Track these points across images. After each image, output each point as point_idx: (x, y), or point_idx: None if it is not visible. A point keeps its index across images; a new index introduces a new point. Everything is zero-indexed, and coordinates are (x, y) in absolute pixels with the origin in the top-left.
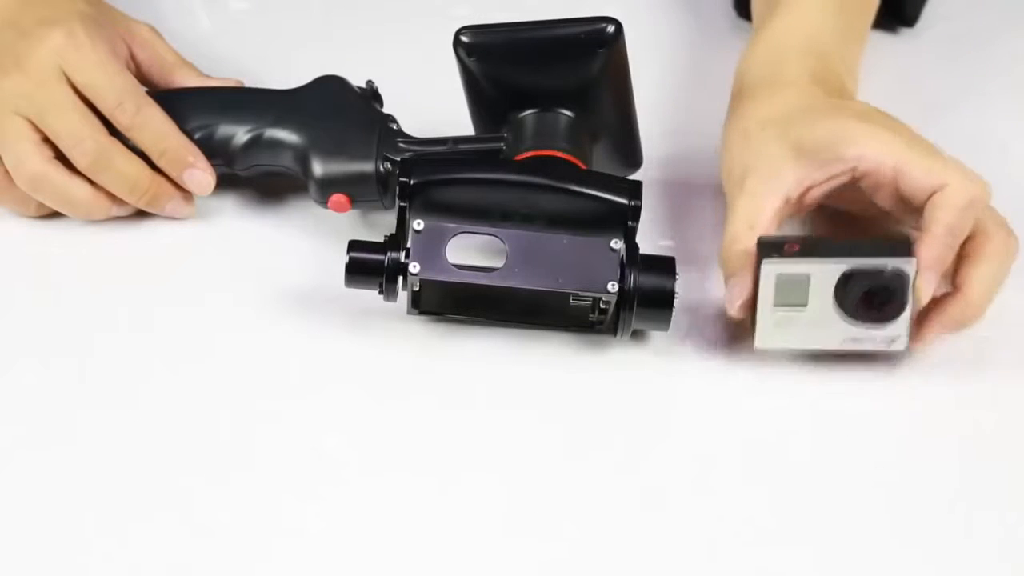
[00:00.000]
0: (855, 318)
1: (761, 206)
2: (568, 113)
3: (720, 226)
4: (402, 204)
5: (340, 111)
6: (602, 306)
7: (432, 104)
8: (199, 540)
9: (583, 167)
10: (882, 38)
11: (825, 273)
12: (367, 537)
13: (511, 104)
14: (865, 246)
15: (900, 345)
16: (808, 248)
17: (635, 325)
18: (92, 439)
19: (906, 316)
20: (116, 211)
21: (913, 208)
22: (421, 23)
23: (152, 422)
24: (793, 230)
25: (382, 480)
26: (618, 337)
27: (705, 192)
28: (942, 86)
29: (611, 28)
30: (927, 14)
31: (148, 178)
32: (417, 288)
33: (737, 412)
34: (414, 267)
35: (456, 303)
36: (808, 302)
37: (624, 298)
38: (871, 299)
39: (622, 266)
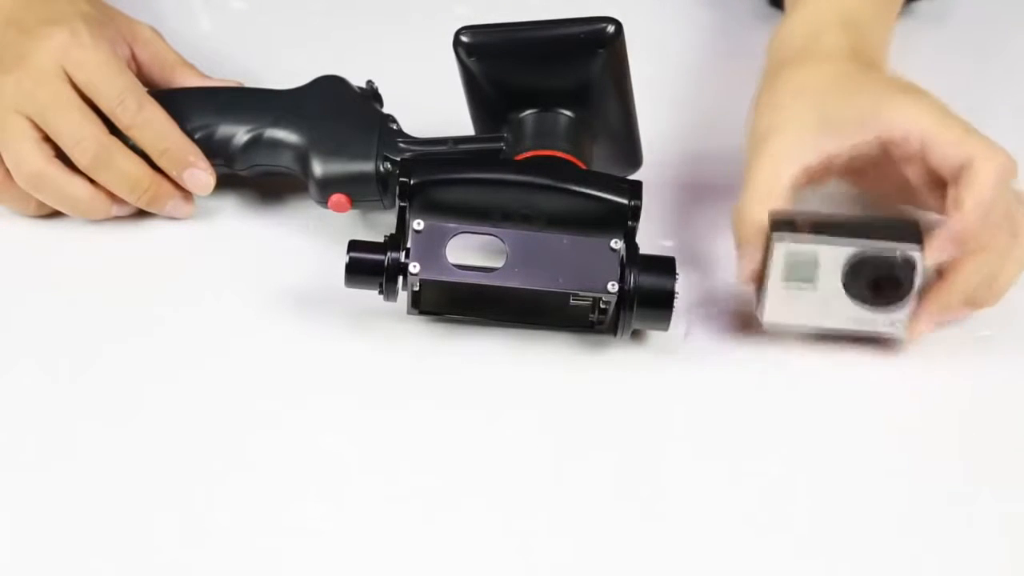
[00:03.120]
0: (862, 301)
1: (779, 173)
2: (568, 113)
3: (720, 227)
4: (402, 204)
5: (340, 111)
6: (602, 306)
7: (432, 104)
8: (198, 540)
9: (583, 167)
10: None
11: (834, 254)
12: (368, 537)
13: (511, 104)
14: (875, 227)
15: (900, 330)
16: (819, 226)
17: (635, 325)
18: (91, 439)
19: (911, 301)
20: (116, 210)
21: (940, 182)
22: (421, 23)
23: (151, 422)
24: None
25: (382, 480)
26: (618, 337)
27: (705, 192)
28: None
29: (611, 28)
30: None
31: (148, 177)
32: (417, 288)
33: (737, 412)
34: (414, 267)
35: (456, 303)
36: (816, 280)
37: (624, 298)
38: (879, 284)
39: (622, 266)
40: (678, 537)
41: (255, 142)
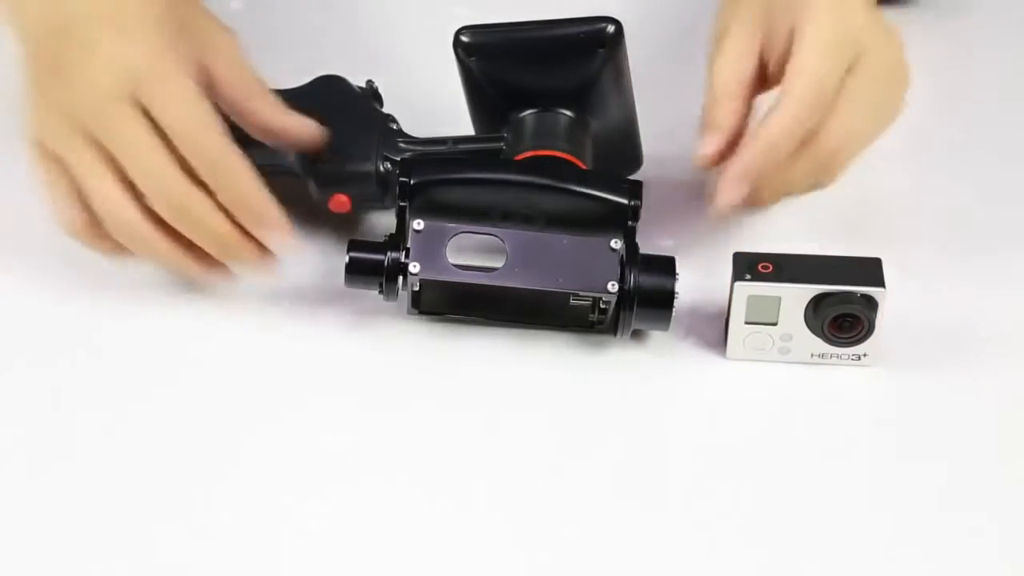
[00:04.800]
0: (824, 339)
1: (736, 69)
2: (568, 113)
3: (720, 226)
4: (402, 204)
5: (340, 111)
6: (602, 306)
7: (432, 104)
8: (198, 541)
9: (583, 167)
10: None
11: (796, 296)
12: (368, 538)
13: (511, 104)
14: (837, 269)
15: (868, 361)
16: (781, 268)
17: (635, 325)
18: (90, 440)
19: (875, 337)
20: (208, 275)
21: None
22: (421, 23)
23: (151, 423)
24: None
25: (382, 481)
26: (618, 337)
27: (705, 192)
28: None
29: (611, 28)
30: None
31: (232, 234)
32: (417, 288)
33: (736, 412)
34: (414, 267)
35: (456, 303)
36: (779, 320)
37: (624, 298)
38: (840, 322)
39: (622, 266)
40: (677, 536)
41: (255, 142)
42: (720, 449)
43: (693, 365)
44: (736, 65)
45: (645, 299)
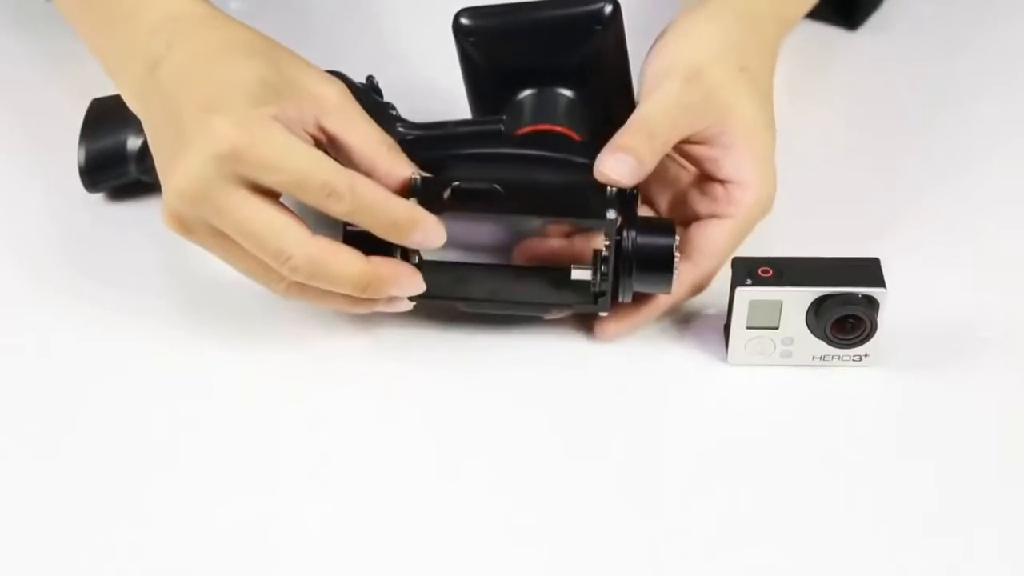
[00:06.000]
0: (826, 341)
1: (677, 124)
2: (567, 93)
3: None
4: None
5: None
6: (603, 271)
7: (432, 100)
8: (198, 542)
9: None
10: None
11: (798, 299)
12: (365, 536)
13: (510, 86)
14: (837, 270)
15: (869, 362)
16: (781, 272)
17: (636, 287)
18: (89, 435)
19: (876, 337)
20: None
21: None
22: (420, 21)
23: (150, 420)
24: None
25: (379, 480)
26: (620, 300)
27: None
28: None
29: (608, 7)
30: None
31: (367, 270)
32: (416, 262)
33: (735, 412)
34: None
35: (456, 280)
36: (780, 324)
37: (623, 259)
38: (842, 323)
39: (617, 204)
40: (675, 536)
41: None
42: (718, 450)
43: (694, 371)
44: (677, 120)
45: (645, 261)
